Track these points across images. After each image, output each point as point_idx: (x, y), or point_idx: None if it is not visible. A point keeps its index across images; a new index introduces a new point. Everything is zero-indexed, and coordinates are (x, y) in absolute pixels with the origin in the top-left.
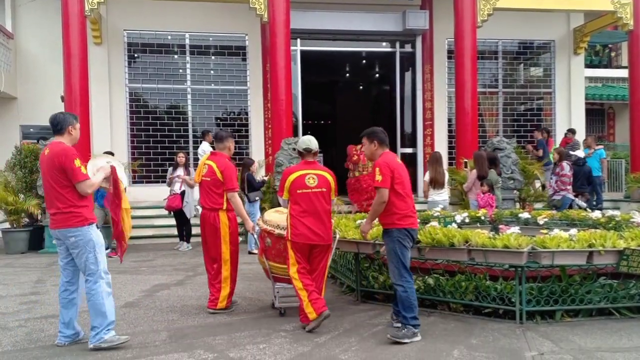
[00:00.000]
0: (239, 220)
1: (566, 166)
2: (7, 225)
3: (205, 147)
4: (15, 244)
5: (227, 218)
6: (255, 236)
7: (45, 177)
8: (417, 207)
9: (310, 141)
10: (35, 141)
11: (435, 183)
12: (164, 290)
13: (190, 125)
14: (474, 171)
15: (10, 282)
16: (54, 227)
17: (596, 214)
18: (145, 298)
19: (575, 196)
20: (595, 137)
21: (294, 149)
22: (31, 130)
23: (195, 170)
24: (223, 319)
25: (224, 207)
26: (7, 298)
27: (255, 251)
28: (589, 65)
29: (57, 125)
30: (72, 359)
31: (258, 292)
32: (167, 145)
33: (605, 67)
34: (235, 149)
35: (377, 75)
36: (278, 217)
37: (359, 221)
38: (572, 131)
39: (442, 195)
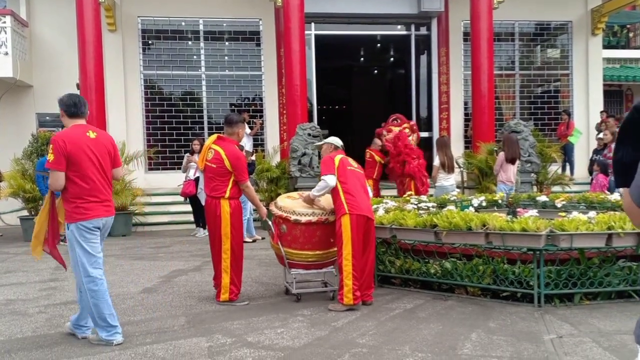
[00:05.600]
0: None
1: None
2: (24, 212)
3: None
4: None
5: (229, 206)
6: (270, 222)
7: (97, 162)
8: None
9: (339, 140)
10: (54, 129)
11: (446, 167)
12: (181, 276)
13: (205, 112)
14: (502, 153)
15: (29, 269)
16: (110, 215)
17: (615, 196)
18: (163, 284)
19: None
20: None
21: (309, 135)
22: (47, 118)
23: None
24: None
25: (227, 195)
26: (26, 285)
27: (249, 240)
28: (607, 46)
29: (81, 108)
30: (92, 345)
31: (275, 277)
32: (182, 132)
33: (623, 47)
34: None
35: (392, 58)
36: (293, 203)
37: (375, 205)
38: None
39: (450, 181)
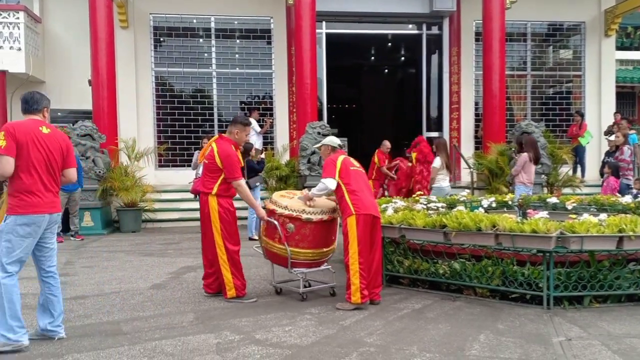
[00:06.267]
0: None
1: (627, 150)
2: None
3: (253, 124)
4: None
5: (216, 203)
6: (276, 222)
7: (45, 156)
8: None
9: (337, 140)
10: (65, 125)
11: (448, 169)
12: (190, 272)
13: (215, 109)
14: (524, 154)
15: None
16: (56, 211)
17: (626, 199)
18: (172, 280)
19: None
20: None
21: (319, 133)
22: (59, 114)
23: None
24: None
25: (214, 192)
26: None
27: (256, 237)
28: (620, 47)
29: (35, 104)
30: (101, 339)
31: (283, 275)
32: (192, 129)
33: (637, 49)
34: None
35: (403, 58)
36: (297, 202)
37: (383, 205)
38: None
39: (447, 182)
